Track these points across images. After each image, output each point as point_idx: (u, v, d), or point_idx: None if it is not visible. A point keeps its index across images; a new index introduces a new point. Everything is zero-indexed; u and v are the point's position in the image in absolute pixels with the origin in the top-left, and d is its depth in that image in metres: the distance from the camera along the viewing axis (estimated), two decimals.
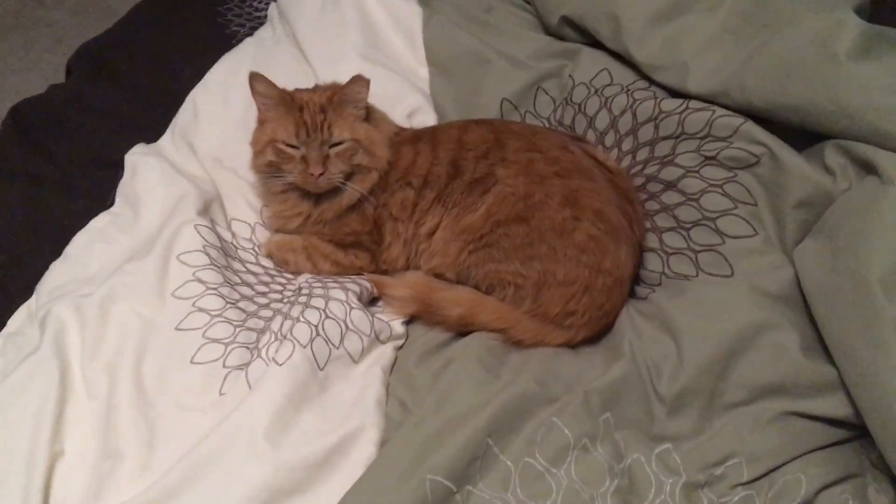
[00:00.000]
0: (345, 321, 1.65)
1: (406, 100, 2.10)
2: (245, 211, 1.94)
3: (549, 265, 1.65)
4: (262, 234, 1.92)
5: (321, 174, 1.71)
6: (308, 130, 1.71)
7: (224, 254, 1.77)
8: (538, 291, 1.66)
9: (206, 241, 1.74)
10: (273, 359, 1.54)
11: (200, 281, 1.67)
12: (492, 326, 1.67)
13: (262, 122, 1.80)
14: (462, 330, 1.71)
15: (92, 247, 1.78)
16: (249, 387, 1.52)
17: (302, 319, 1.62)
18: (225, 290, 1.67)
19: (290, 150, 1.74)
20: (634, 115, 1.92)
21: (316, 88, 1.83)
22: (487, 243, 1.69)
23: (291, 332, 1.59)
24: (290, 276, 1.85)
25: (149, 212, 1.80)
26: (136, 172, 1.88)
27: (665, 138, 1.86)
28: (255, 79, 1.73)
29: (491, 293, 1.73)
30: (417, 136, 1.85)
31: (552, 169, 1.70)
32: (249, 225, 1.92)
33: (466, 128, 1.83)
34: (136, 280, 1.65)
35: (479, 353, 1.61)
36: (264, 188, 1.88)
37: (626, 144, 1.93)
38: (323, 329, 1.61)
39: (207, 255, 1.71)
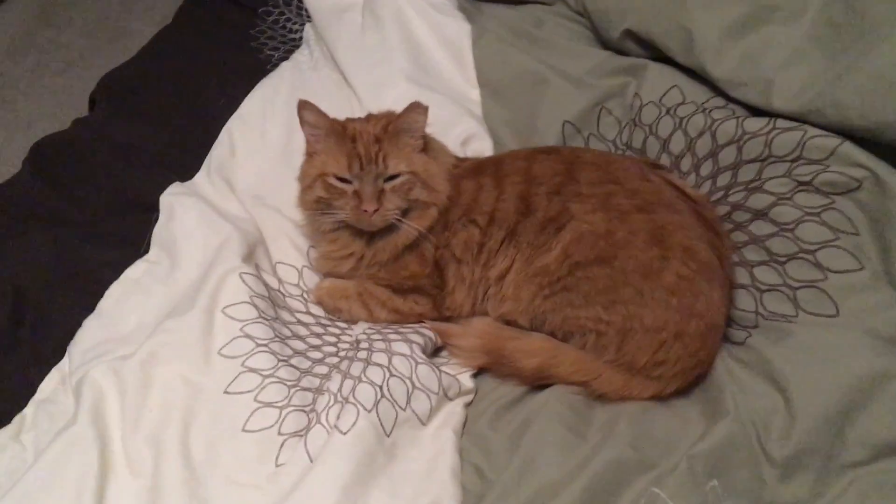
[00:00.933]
0: (411, 378, 1.49)
1: (459, 126, 1.94)
2: (291, 253, 1.79)
3: (635, 309, 1.48)
4: (311, 279, 1.77)
5: (376, 210, 1.55)
6: (362, 163, 1.56)
7: (272, 304, 1.62)
8: (623, 339, 1.50)
9: (252, 290, 1.59)
10: (336, 426, 1.38)
11: (249, 337, 1.51)
12: (572, 379, 1.51)
13: (310, 154, 1.65)
14: (538, 383, 1.54)
15: (127, 300, 1.63)
16: (310, 458, 1.37)
17: (364, 379, 1.46)
18: (276, 346, 1.52)
19: (341, 184, 1.59)
20: (714, 136, 1.75)
21: (369, 118, 1.67)
22: (565, 287, 1.53)
23: (354, 395, 1.43)
24: (343, 325, 1.69)
25: (189, 259, 1.65)
26: (173, 215, 1.73)
27: (749, 161, 1.69)
28: (304, 108, 1.58)
29: (568, 341, 1.57)
30: (479, 169, 1.69)
31: (633, 202, 1.54)
32: (296, 269, 1.77)
33: (534, 158, 1.67)
34: (179, 338, 1.50)
35: (560, 411, 1.45)
36: (312, 227, 1.73)
37: (705, 169, 1.76)
38: (388, 389, 1.45)
39: (255, 306, 1.56)
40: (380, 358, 1.51)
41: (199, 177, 1.89)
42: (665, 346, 1.48)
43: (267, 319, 1.56)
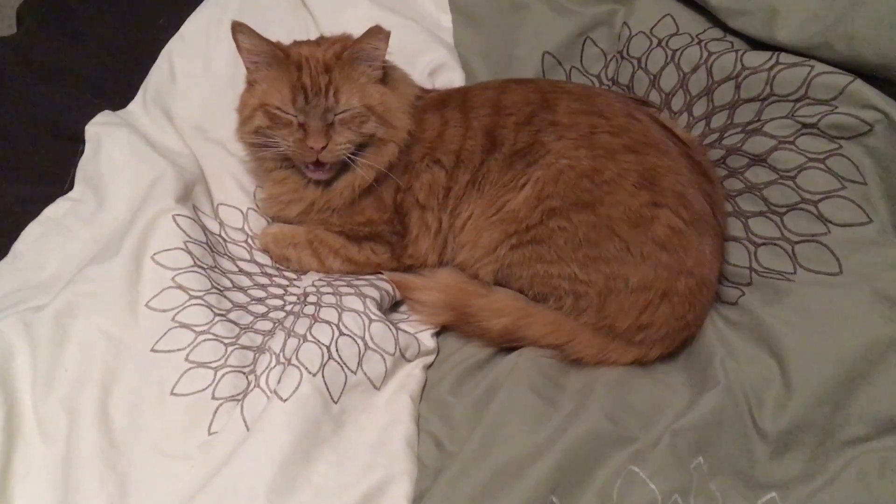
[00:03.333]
0: (363, 338, 1.32)
1: (427, 54, 1.74)
2: (235, 194, 1.60)
3: (619, 268, 1.32)
4: (257, 222, 1.58)
5: (323, 147, 1.37)
6: (307, 96, 1.37)
7: (210, 250, 1.44)
8: (604, 301, 1.34)
9: (187, 235, 1.40)
10: (275, 391, 1.22)
11: (182, 288, 1.34)
12: (544, 342, 1.36)
13: (250, 83, 1.46)
14: (506, 345, 1.38)
15: (46, 243, 1.44)
16: (246, 427, 1.20)
17: (310, 338, 1.29)
18: (212, 299, 1.34)
19: (285, 115, 1.40)
20: (710, 71, 1.58)
21: (321, 42, 1.47)
22: (536, 238, 1.36)
23: (297, 356, 1.26)
24: (291, 275, 1.51)
25: (116, 198, 1.46)
26: (100, 147, 1.52)
27: (748, 101, 1.53)
28: (239, 30, 1.38)
29: (540, 302, 1.40)
30: (445, 101, 1.51)
31: (621, 141, 1.36)
32: (241, 211, 1.59)
33: (505, 88, 1.48)
34: (102, 288, 1.32)
35: (531, 377, 1.29)
36: (257, 164, 1.54)
37: (699, 108, 1.59)
38: (336, 350, 1.29)
39: (190, 253, 1.38)
40: (328, 314, 1.34)
41: (134, 105, 1.68)
42: (650, 308, 1.32)
43: (203, 268, 1.38)
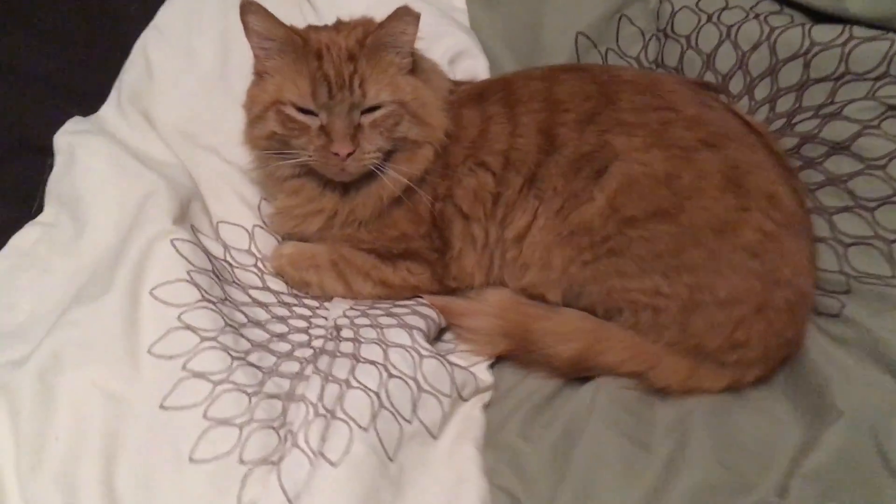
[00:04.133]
0: (415, 378, 1.11)
1: (445, 40, 1.53)
2: (237, 209, 1.37)
3: (705, 278, 1.14)
4: (266, 242, 1.35)
5: (350, 154, 1.15)
6: (331, 89, 1.15)
7: (217, 279, 1.21)
8: (689, 316, 1.15)
9: (190, 263, 1.17)
10: (321, 453, 1.00)
11: (190, 328, 1.11)
12: (622, 369, 1.17)
13: (259, 74, 1.23)
14: (576, 375, 1.19)
15: (15, 279, 1.21)
16: (287, 498, 0.98)
17: (355, 383, 1.08)
18: (228, 339, 1.12)
19: (303, 116, 1.18)
20: (773, 49, 1.41)
21: (340, 27, 1.25)
22: (612, 250, 1.17)
23: (343, 407, 1.05)
24: (312, 302, 1.30)
25: (99, 221, 1.23)
26: (74, 161, 1.28)
27: (819, 80, 1.38)
28: (250, 10, 1.16)
29: (612, 319, 1.21)
30: (481, 94, 1.30)
31: (696, 135, 1.18)
32: (246, 230, 1.36)
33: (554, 78, 1.28)
34: (92, 333, 1.09)
35: (615, 415, 1.11)
36: (265, 173, 1.31)
37: (761, 91, 1.43)
38: (387, 395, 1.08)
39: (196, 284, 1.15)
40: (371, 352, 1.13)
41: (107, 109, 1.44)
42: (744, 324, 1.14)
43: (213, 302, 1.15)
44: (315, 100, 1.16)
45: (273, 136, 1.21)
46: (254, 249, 1.34)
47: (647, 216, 1.15)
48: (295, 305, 1.28)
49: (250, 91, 1.25)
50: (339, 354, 1.14)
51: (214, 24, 1.52)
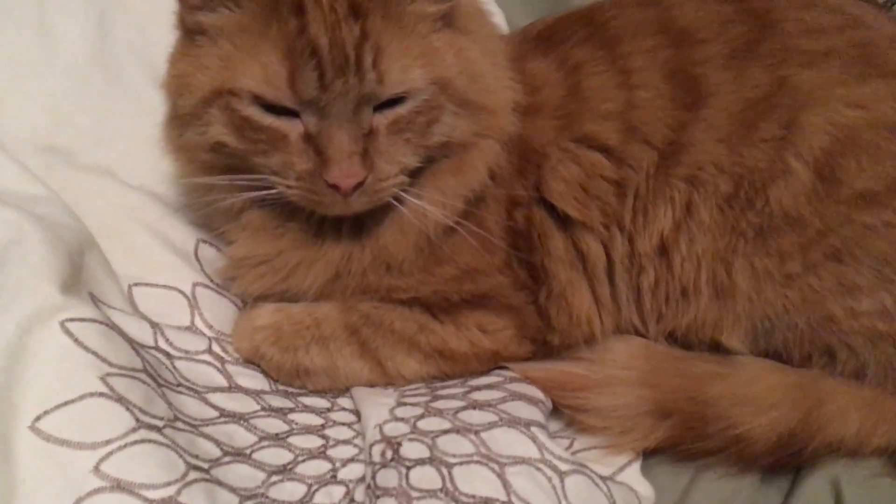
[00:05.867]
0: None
1: None
2: (161, 259, 0.83)
3: None
4: (217, 306, 0.81)
5: (359, 184, 0.66)
6: (323, 70, 0.64)
7: (155, 383, 0.66)
8: None
9: (104, 360, 0.63)
10: None
11: (124, 488, 0.56)
12: (868, 445, 0.73)
13: (190, 32, 0.70)
14: (784, 463, 0.73)
15: None
16: None
17: None
18: (198, 497, 0.57)
19: (273, 119, 0.67)
20: None
21: None
22: (837, 251, 0.73)
23: None
24: (316, 401, 0.77)
25: None
26: None
27: None
28: None
29: (807, 366, 0.76)
30: (550, 36, 0.85)
31: None
32: (181, 292, 0.81)
33: (656, 2, 0.84)
34: None
35: None
36: (205, 201, 0.77)
37: None
38: None
39: (121, 400, 0.60)
40: (473, 479, 0.62)
41: None
42: None
43: (157, 428, 0.61)
44: (295, 90, 0.65)
45: (220, 149, 0.70)
46: (200, 324, 0.79)
47: (891, 188, 0.71)
48: (291, 410, 0.74)
49: (177, 64, 0.72)
50: (410, 492, 0.62)
51: None
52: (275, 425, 0.71)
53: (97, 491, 0.56)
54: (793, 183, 0.73)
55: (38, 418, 0.58)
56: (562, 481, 0.64)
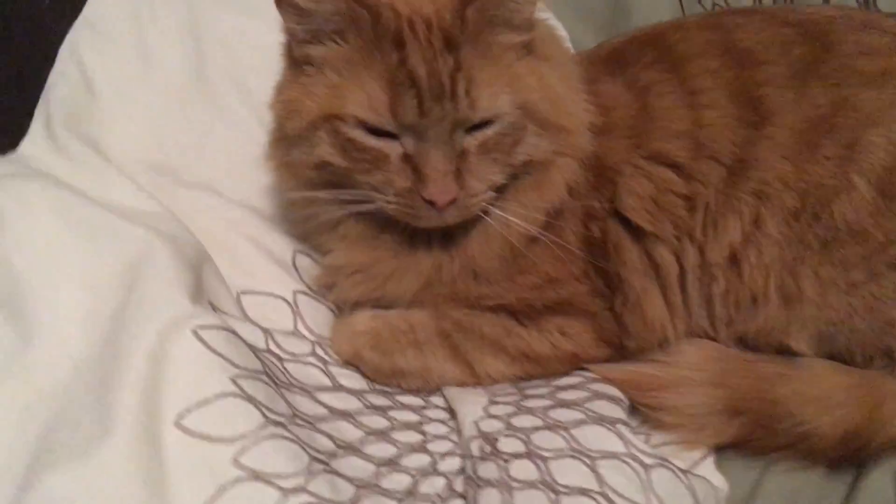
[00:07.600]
0: (647, 498, 0.67)
1: None
2: (265, 269, 0.91)
3: None
4: (316, 314, 0.88)
5: (452, 200, 0.73)
6: (422, 98, 0.72)
7: (274, 384, 0.73)
8: None
9: (232, 363, 0.70)
10: None
11: (259, 476, 0.63)
12: None
13: (295, 63, 0.78)
14: (847, 459, 0.79)
15: None
16: None
17: None
18: (322, 487, 0.65)
19: (376, 141, 0.74)
20: None
21: None
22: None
23: None
24: (412, 399, 0.84)
25: (59, 319, 0.71)
26: (3, 225, 0.77)
27: None
28: None
29: (869, 367, 0.82)
30: (618, 59, 0.92)
31: None
32: (285, 300, 0.88)
33: (725, 24, 0.91)
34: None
35: None
36: (304, 215, 0.85)
37: None
38: None
39: (249, 399, 0.68)
40: (568, 472, 0.69)
41: (33, 142, 0.94)
42: None
43: (283, 425, 0.68)
44: (396, 116, 0.72)
45: (325, 167, 0.77)
46: (302, 329, 0.86)
47: None
48: (391, 409, 0.81)
49: (286, 91, 0.80)
50: (512, 483, 0.68)
51: (174, 7, 1.05)
52: (378, 422, 0.79)
53: (238, 480, 0.63)
54: (855, 198, 0.79)
55: (181, 416, 0.66)
56: (647, 474, 0.70)
